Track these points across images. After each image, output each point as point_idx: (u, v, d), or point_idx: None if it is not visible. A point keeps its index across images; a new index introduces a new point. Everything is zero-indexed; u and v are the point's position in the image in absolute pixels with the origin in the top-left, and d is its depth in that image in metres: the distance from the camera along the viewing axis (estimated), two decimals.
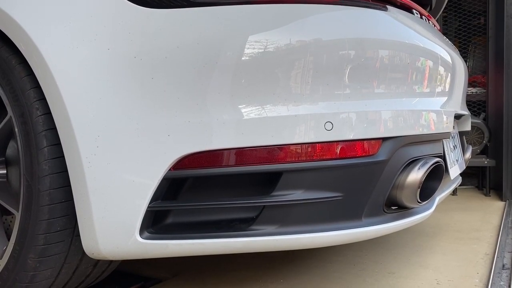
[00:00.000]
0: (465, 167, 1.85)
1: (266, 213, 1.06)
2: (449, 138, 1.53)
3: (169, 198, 1.07)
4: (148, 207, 1.04)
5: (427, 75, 1.29)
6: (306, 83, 1.06)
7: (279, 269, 1.64)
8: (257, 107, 1.03)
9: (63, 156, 1.06)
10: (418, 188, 1.16)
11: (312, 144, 1.05)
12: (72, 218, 1.10)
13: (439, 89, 1.38)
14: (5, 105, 1.16)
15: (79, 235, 1.08)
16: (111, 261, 1.26)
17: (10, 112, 1.14)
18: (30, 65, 1.08)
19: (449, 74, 1.47)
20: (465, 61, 3.31)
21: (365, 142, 1.10)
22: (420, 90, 1.27)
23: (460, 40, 3.45)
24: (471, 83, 3.29)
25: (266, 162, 1.04)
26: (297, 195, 1.06)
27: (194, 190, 1.08)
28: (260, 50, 1.03)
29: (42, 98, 1.08)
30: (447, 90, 1.46)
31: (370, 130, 1.10)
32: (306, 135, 1.05)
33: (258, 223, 1.07)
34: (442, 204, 2.68)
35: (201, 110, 1.02)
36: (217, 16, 1.04)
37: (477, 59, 3.41)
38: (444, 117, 1.39)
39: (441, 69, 1.38)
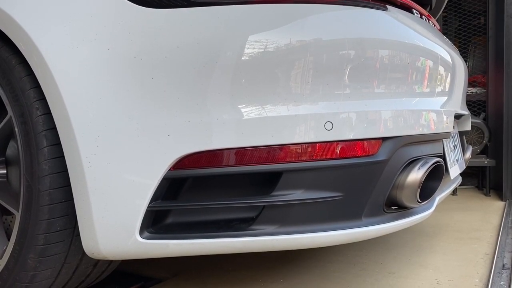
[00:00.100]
0: (465, 167, 1.85)
1: (266, 213, 1.06)
2: (449, 138, 1.53)
3: (169, 198, 1.07)
4: (148, 207, 1.04)
5: (427, 75, 1.29)
6: (306, 83, 1.06)
7: (279, 269, 1.64)
8: (257, 107, 1.03)
9: (63, 156, 1.06)
10: (418, 188, 1.16)
11: (312, 144, 1.05)
12: (72, 218, 1.10)
13: (439, 89, 1.38)
14: (5, 105, 1.16)
15: (79, 235, 1.08)
16: (111, 261, 1.26)
17: (10, 112, 1.14)
18: (30, 65, 1.08)
19: (449, 74, 1.47)
20: (465, 61, 3.31)
21: (365, 142, 1.10)
22: (420, 90, 1.27)
23: (460, 40, 3.45)
24: (471, 83, 3.29)
25: (266, 162, 1.04)
26: (297, 195, 1.06)
27: (194, 190, 1.08)
28: (260, 50, 1.03)
29: (42, 98, 1.08)
30: (447, 90, 1.46)
31: (370, 130, 1.10)
32: (306, 135, 1.05)
33: (258, 223, 1.07)
34: (442, 204, 2.68)
35: (201, 110, 1.02)
36: (217, 16, 1.04)
37: (477, 59, 3.41)
38: (444, 117, 1.39)
39: (441, 69, 1.38)
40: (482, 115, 3.24)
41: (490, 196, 3.06)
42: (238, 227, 1.07)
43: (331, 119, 1.06)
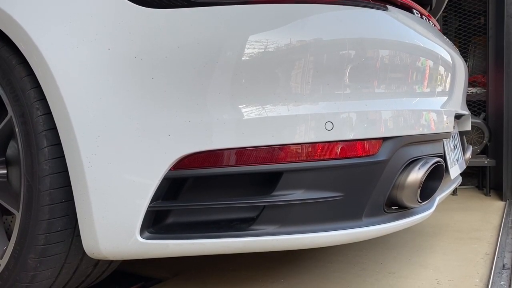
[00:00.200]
0: (465, 167, 1.85)
1: (267, 213, 1.06)
2: (449, 138, 1.53)
3: (170, 198, 1.07)
4: (149, 207, 1.04)
5: (427, 75, 1.29)
6: (306, 83, 1.06)
7: (279, 269, 1.64)
8: (258, 107, 1.03)
9: (63, 156, 1.06)
10: (419, 188, 1.16)
11: (313, 144, 1.05)
12: (72, 218, 1.10)
13: (439, 89, 1.38)
14: (6, 105, 1.16)
15: (79, 235, 1.08)
16: (111, 261, 1.26)
17: (10, 112, 1.14)
18: (31, 65, 1.08)
19: (449, 74, 1.48)
20: (465, 61, 3.31)
21: (365, 142, 1.10)
22: (421, 90, 1.27)
23: (460, 40, 3.45)
24: (471, 83, 3.29)
25: (266, 162, 1.04)
26: (298, 195, 1.06)
27: (195, 190, 1.08)
28: (261, 50, 1.03)
29: (43, 98, 1.08)
30: (447, 90, 1.46)
31: (371, 130, 1.10)
32: (306, 135, 1.05)
33: (259, 223, 1.07)
34: (442, 204, 2.68)
35: (201, 110, 1.02)
36: (217, 16, 1.04)
37: (477, 59, 3.41)
38: (445, 117, 1.39)
39: (441, 69, 1.38)
40: (482, 115, 3.24)
41: (490, 196, 3.06)
42: (238, 227, 1.07)
43: (332, 119, 1.06)
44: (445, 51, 1.45)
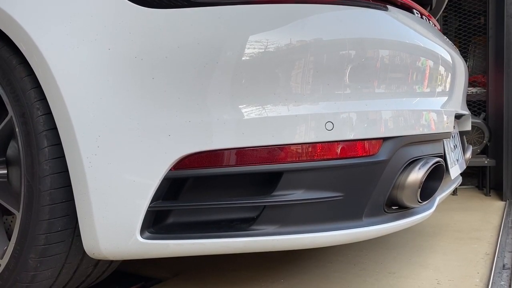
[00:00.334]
0: (465, 167, 1.85)
1: (267, 213, 1.06)
2: (449, 138, 1.53)
3: (170, 198, 1.07)
4: (149, 207, 1.04)
5: (427, 75, 1.29)
6: (306, 83, 1.06)
7: (279, 269, 1.64)
8: (258, 107, 1.04)
9: (63, 156, 1.06)
10: (419, 188, 1.16)
11: (313, 144, 1.05)
12: (72, 218, 1.10)
13: (439, 89, 1.38)
14: (6, 105, 1.16)
15: (79, 235, 1.08)
16: (111, 261, 1.26)
17: (10, 112, 1.14)
18: (31, 65, 1.08)
19: (450, 74, 1.48)
20: (465, 61, 3.31)
21: (365, 142, 1.10)
22: (421, 90, 1.27)
23: (460, 40, 3.45)
24: (471, 83, 3.29)
25: (266, 162, 1.04)
26: (298, 195, 1.06)
27: (195, 190, 1.08)
28: (261, 50, 1.03)
29: (43, 98, 1.08)
30: (447, 90, 1.46)
31: (371, 130, 1.11)
32: (306, 135, 1.05)
33: (259, 223, 1.07)
34: (443, 204, 2.68)
35: (201, 110, 1.02)
36: (217, 16, 1.04)
37: (477, 59, 3.41)
38: (445, 117, 1.39)
39: (442, 69, 1.39)
40: (482, 115, 3.24)
41: (490, 196, 3.06)
42: (238, 227, 1.07)
43: (332, 119, 1.06)
44: (445, 51, 1.45)
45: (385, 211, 1.17)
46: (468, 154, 1.95)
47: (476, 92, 3.28)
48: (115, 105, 1.02)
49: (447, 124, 1.41)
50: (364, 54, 1.11)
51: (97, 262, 1.22)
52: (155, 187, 1.03)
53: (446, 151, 1.49)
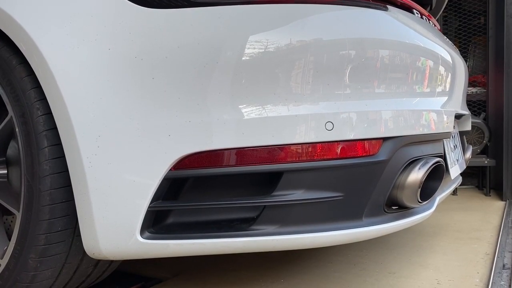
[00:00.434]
0: (465, 167, 1.85)
1: (267, 213, 1.06)
2: (449, 138, 1.53)
3: (170, 198, 1.07)
4: (149, 207, 1.04)
5: (427, 75, 1.29)
6: (306, 83, 1.06)
7: (279, 269, 1.64)
8: (258, 107, 1.04)
9: (63, 156, 1.06)
10: (419, 188, 1.16)
11: (313, 144, 1.05)
12: (73, 218, 1.10)
13: (439, 89, 1.39)
14: (6, 105, 1.16)
15: (79, 235, 1.08)
16: (111, 261, 1.26)
17: (11, 112, 1.14)
18: (31, 65, 1.08)
19: (450, 74, 1.48)
20: (465, 61, 3.31)
21: (365, 142, 1.10)
22: (421, 90, 1.27)
23: (460, 40, 3.45)
24: (471, 83, 3.29)
25: (266, 162, 1.04)
26: (298, 195, 1.06)
27: (195, 190, 1.08)
28: (261, 50, 1.03)
29: (43, 98, 1.08)
30: (447, 90, 1.46)
31: (371, 130, 1.11)
32: (306, 135, 1.05)
33: (259, 223, 1.07)
34: (443, 204, 2.68)
35: (201, 110, 1.02)
36: (217, 16, 1.04)
37: (477, 59, 3.41)
38: (445, 117, 1.39)
39: (442, 69, 1.39)
40: (482, 115, 3.24)
41: (490, 196, 3.06)
42: (239, 227, 1.07)
43: (332, 119, 1.06)
44: (445, 51, 1.45)
45: (385, 211, 1.17)
46: (468, 154, 1.95)
47: (476, 92, 3.28)
48: (115, 105, 1.02)
49: (447, 124, 1.41)
50: (364, 54, 1.11)
51: (97, 262, 1.22)
52: (155, 187, 1.03)
53: (446, 151, 1.49)
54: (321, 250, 1.85)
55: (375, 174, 1.12)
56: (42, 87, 1.07)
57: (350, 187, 1.10)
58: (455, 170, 1.60)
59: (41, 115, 1.08)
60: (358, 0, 1.17)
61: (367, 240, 1.74)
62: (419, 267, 1.66)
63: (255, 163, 1.04)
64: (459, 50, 3.00)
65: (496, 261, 1.69)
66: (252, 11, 1.06)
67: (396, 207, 1.22)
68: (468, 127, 1.95)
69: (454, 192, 3.10)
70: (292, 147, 1.05)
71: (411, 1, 1.44)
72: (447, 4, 3.02)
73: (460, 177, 1.88)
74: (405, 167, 1.18)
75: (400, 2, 1.34)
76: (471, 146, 2.10)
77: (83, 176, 1.03)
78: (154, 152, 1.02)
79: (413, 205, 1.21)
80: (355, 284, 1.50)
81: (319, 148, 1.06)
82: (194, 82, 1.02)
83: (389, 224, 1.17)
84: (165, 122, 1.02)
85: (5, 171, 1.23)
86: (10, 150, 1.23)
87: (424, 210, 1.28)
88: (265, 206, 1.06)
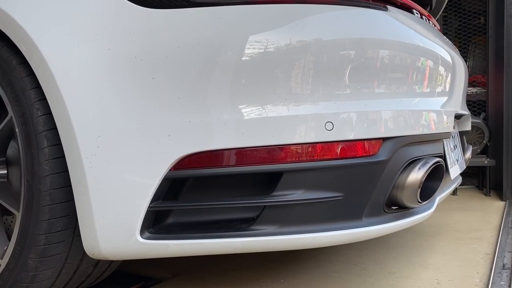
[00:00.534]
0: (465, 167, 1.85)
1: (267, 213, 1.06)
2: (449, 138, 1.53)
3: (170, 198, 1.07)
4: (149, 207, 1.04)
5: (427, 75, 1.29)
6: (306, 83, 1.06)
7: (279, 269, 1.64)
8: (258, 107, 1.04)
9: (63, 156, 1.06)
10: (419, 188, 1.16)
11: (313, 144, 1.05)
12: (72, 218, 1.10)
13: (439, 89, 1.39)
14: (6, 105, 1.16)
15: (79, 235, 1.08)
16: (111, 261, 1.26)
17: (10, 112, 1.14)
18: (31, 65, 1.08)
19: (449, 74, 1.48)
20: (465, 61, 3.31)
21: (365, 142, 1.10)
22: (421, 90, 1.27)
23: (460, 40, 3.45)
24: (471, 83, 3.29)
25: (266, 162, 1.04)
26: (298, 195, 1.06)
27: (195, 190, 1.08)
28: (261, 50, 1.03)
29: (43, 99, 1.08)
30: (447, 90, 1.46)
31: (371, 130, 1.11)
32: (306, 135, 1.05)
33: (259, 223, 1.07)
34: (442, 204, 2.68)
35: (201, 110, 1.02)
36: (217, 16, 1.04)
37: (477, 59, 3.41)
38: (445, 117, 1.39)
39: (441, 69, 1.39)
40: (482, 115, 3.24)
41: (490, 196, 3.06)
42: (238, 227, 1.07)
43: (332, 119, 1.06)
44: (445, 51, 1.45)
45: (385, 211, 1.17)
46: (468, 154, 1.95)
47: (476, 92, 3.28)
48: (115, 105, 1.02)
49: (447, 124, 1.41)
50: (364, 54, 1.11)
51: (97, 262, 1.22)
52: (155, 187, 1.03)
53: (446, 151, 1.49)
54: (321, 250, 1.85)
55: (375, 174, 1.12)
56: (42, 87, 1.07)
57: (350, 187, 1.10)
58: (455, 170, 1.60)
59: (41, 115, 1.08)
60: (358, 0, 1.17)
61: (367, 240, 1.74)
62: (419, 267, 1.66)
63: (255, 163, 1.04)
64: (459, 50, 3.00)
65: (496, 261, 1.69)
66: (252, 11, 1.06)
67: (396, 207, 1.22)
68: (468, 127, 1.95)
69: (454, 192, 3.10)
70: (292, 147, 1.05)
71: (411, 1, 1.45)
72: (447, 4, 3.02)
73: (460, 177, 1.88)
74: (405, 167, 1.18)
75: (400, 2, 1.34)
76: (471, 146, 2.10)
77: (83, 176, 1.03)
78: (154, 152, 1.02)
79: (413, 205, 1.21)
80: (355, 284, 1.50)
81: (319, 148, 1.06)
82: (194, 82, 1.02)
83: (389, 224, 1.17)
84: (165, 122, 1.02)
85: (5, 171, 1.23)
86: (10, 150, 1.23)
87: (424, 210, 1.28)
88: (265, 206, 1.06)
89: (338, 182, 1.09)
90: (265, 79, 1.03)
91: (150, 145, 1.02)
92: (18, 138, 1.12)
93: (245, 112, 1.03)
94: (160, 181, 1.03)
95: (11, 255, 1.14)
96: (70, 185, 1.06)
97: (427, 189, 1.22)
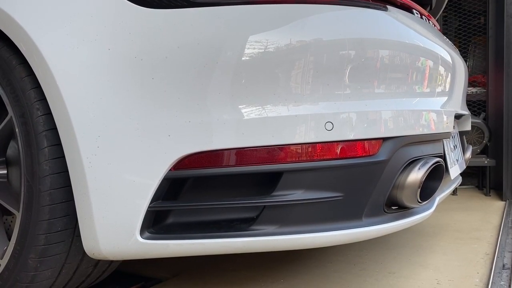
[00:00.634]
0: (465, 167, 1.85)
1: (267, 213, 1.06)
2: (449, 138, 1.53)
3: (170, 198, 1.07)
4: (149, 207, 1.04)
5: (427, 75, 1.29)
6: (306, 83, 1.06)
7: (279, 269, 1.64)
8: (258, 107, 1.04)
9: (63, 156, 1.06)
10: (419, 188, 1.16)
11: (313, 144, 1.05)
12: (72, 218, 1.10)
13: (439, 89, 1.39)
14: (6, 105, 1.16)
15: (79, 235, 1.08)
16: (111, 261, 1.26)
17: (10, 112, 1.14)
18: (31, 65, 1.08)
19: (449, 74, 1.48)
20: (465, 61, 3.31)
21: (365, 142, 1.10)
22: (421, 90, 1.27)
23: (460, 40, 3.45)
24: (471, 83, 3.29)
25: (266, 162, 1.04)
26: (298, 195, 1.06)
27: (195, 190, 1.08)
28: (261, 50, 1.03)
29: (43, 99, 1.08)
30: (447, 90, 1.46)
31: (371, 130, 1.11)
32: (306, 135, 1.05)
33: (259, 223, 1.07)
34: (442, 204, 2.68)
35: (201, 110, 1.02)
36: (217, 16, 1.04)
37: (477, 59, 3.41)
38: (445, 117, 1.39)
39: (441, 69, 1.39)
40: (482, 115, 3.24)
41: (490, 196, 3.06)
42: (238, 227, 1.07)
43: (332, 119, 1.06)
44: (445, 51, 1.45)
45: (385, 211, 1.17)
46: (468, 154, 1.95)
47: (476, 92, 3.28)
48: (115, 105, 1.02)
49: (447, 124, 1.41)
50: (364, 54, 1.11)
51: (97, 262, 1.22)
52: (155, 187, 1.03)
53: (446, 151, 1.49)
54: (321, 250, 1.85)
55: (375, 174, 1.12)
56: (42, 87, 1.07)
57: (350, 187, 1.10)
58: (455, 170, 1.60)
59: (41, 115, 1.08)
60: (358, 0, 1.17)
61: (367, 240, 1.74)
62: (419, 267, 1.66)
63: (255, 163, 1.04)
64: (459, 50, 3.00)
65: (496, 261, 1.69)
66: (252, 11, 1.06)
67: (396, 207, 1.22)
68: (468, 127, 1.95)
69: (454, 192, 3.10)
70: (292, 147, 1.05)
71: (411, 1, 1.45)
72: (447, 4, 3.02)
73: (460, 177, 1.88)
74: (405, 167, 1.18)
75: (400, 2, 1.34)
76: (471, 146, 2.10)
77: (83, 176, 1.03)
78: (154, 152, 1.02)
79: (413, 205, 1.21)
80: (355, 284, 1.50)
81: (319, 148, 1.06)
82: (194, 82, 1.02)
83: (389, 224, 1.17)
84: (165, 122, 1.02)
85: (5, 171, 1.23)
86: (10, 150, 1.23)
87: (424, 210, 1.28)
88: (265, 206, 1.07)
89: (338, 182, 1.09)
90: (265, 79, 1.03)
91: (150, 145, 1.02)
92: (18, 138, 1.12)
93: (245, 112, 1.03)
94: (160, 181, 1.03)
95: (11, 255, 1.14)
96: (70, 185, 1.06)
97: (427, 189, 1.22)
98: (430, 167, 1.18)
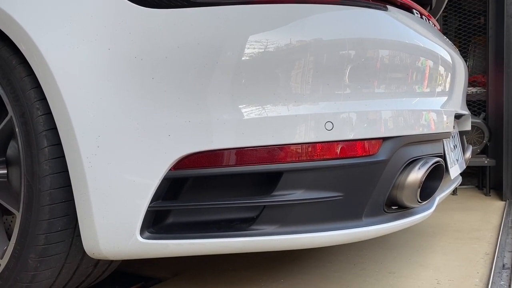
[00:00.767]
0: (465, 167, 1.85)
1: (267, 213, 1.06)
2: (449, 137, 1.53)
3: (170, 198, 1.07)
4: (149, 207, 1.04)
5: (427, 75, 1.29)
6: (306, 83, 1.06)
7: (279, 269, 1.64)
8: (258, 107, 1.04)
9: (63, 156, 1.06)
10: (418, 188, 1.17)
11: (313, 144, 1.05)
12: (72, 218, 1.10)
13: (439, 89, 1.39)
14: (6, 105, 1.16)
15: (79, 235, 1.08)
16: (111, 261, 1.26)
17: (10, 112, 1.14)
18: (31, 65, 1.08)
19: (449, 74, 1.48)
20: (465, 60, 3.31)
21: (365, 142, 1.10)
22: (421, 90, 1.27)
23: (460, 40, 3.45)
24: (471, 82, 3.29)
25: (266, 162, 1.04)
26: (298, 195, 1.06)
27: (195, 190, 1.08)
28: (261, 50, 1.03)
29: (43, 98, 1.08)
30: (447, 90, 1.46)
31: (371, 130, 1.11)
32: (306, 135, 1.05)
33: (259, 223, 1.07)
34: (442, 204, 2.68)
35: (201, 110, 1.02)
36: (217, 16, 1.04)
37: (477, 58, 3.41)
38: (444, 117, 1.39)
39: (441, 69, 1.39)
40: (482, 115, 3.24)
41: (490, 196, 3.06)
42: (238, 227, 1.07)
43: (332, 119, 1.06)
44: (445, 51, 1.45)
45: (384, 211, 1.17)
46: (468, 154, 1.95)
47: (476, 92, 3.28)
48: (115, 105, 1.02)
49: (447, 124, 1.41)
50: (364, 54, 1.11)
51: (97, 262, 1.22)
52: (155, 187, 1.03)
53: (446, 151, 1.49)
54: (321, 250, 1.85)
55: (375, 174, 1.12)
56: (42, 87, 1.07)
57: (349, 187, 1.10)
58: (455, 170, 1.60)
59: (41, 115, 1.08)
60: (358, 0, 1.17)
61: (367, 240, 1.74)
62: (419, 267, 1.66)
63: (255, 163, 1.04)
64: (459, 50, 3.00)
65: (496, 261, 1.69)
66: (252, 11, 1.06)
67: (395, 207, 1.22)
68: (468, 127, 1.95)
69: (454, 192, 3.10)
70: (292, 147, 1.05)
71: (411, 1, 1.45)
72: (447, 4, 3.02)
73: (460, 177, 1.88)
74: (405, 167, 1.18)
75: (400, 2, 1.34)
76: (471, 146, 2.10)
77: (83, 176, 1.03)
78: (154, 152, 1.02)
79: (412, 205, 1.21)
80: (355, 284, 1.50)
81: (319, 148, 1.06)
82: (194, 82, 1.02)
83: (389, 224, 1.17)
84: (165, 122, 1.02)
85: (5, 171, 1.23)
86: (10, 150, 1.23)
87: (424, 210, 1.28)
88: (264, 206, 1.07)
89: (337, 182, 1.09)
90: (265, 79, 1.03)
91: (150, 145, 1.02)
92: (18, 138, 1.12)
93: (245, 112, 1.03)
94: (160, 181, 1.03)
95: (11, 255, 1.14)
96: (70, 185, 1.07)
97: (427, 189, 1.22)
98: (430, 167, 1.18)
